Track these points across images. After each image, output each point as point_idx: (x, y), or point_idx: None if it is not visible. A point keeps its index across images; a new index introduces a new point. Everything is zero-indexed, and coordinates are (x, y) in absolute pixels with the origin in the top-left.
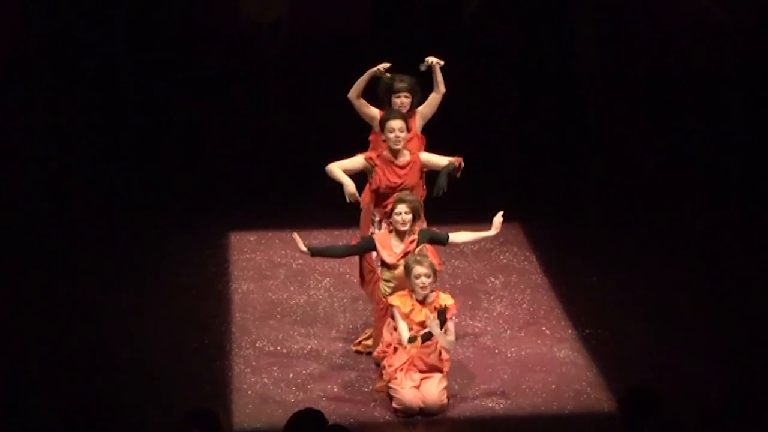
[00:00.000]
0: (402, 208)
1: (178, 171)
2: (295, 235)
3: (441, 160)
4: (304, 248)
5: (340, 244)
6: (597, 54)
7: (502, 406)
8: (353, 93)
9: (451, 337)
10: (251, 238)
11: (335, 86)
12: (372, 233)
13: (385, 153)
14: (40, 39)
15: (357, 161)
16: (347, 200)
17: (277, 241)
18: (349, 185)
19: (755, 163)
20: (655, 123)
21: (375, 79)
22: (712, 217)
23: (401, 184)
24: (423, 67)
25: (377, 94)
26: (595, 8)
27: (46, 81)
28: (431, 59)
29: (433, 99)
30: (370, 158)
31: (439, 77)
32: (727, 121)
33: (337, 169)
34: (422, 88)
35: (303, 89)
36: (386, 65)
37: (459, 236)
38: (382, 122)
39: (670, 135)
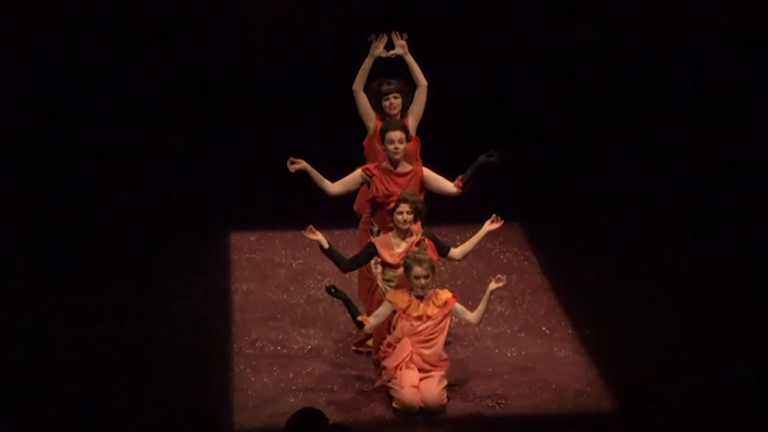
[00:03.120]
0: (404, 207)
1: (179, 171)
2: (319, 236)
3: (445, 184)
4: (325, 243)
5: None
6: (598, 53)
7: (502, 406)
8: (357, 83)
9: (474, 313)
10: (251, 238)
11: (336, 86)
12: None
13: (385, 164)
14: (40, 36)
15: (355, 175)
16: None
17: (277, 241)
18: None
19: (756, 162)
20: (656, 122)
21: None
22: (713, 216)
23: (400, 192)
24: (393, 53)
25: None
26: (596, 6)
27: (45, 79)
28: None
29: (419, 95)
30: (367, 169)
31: (415, 70)
32: (728, 121)
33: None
34: (411, 89)
35: (303, 89)
36: (383, 40)
37: (458, 251)
38: (382, 132)
39: (672, 134)
